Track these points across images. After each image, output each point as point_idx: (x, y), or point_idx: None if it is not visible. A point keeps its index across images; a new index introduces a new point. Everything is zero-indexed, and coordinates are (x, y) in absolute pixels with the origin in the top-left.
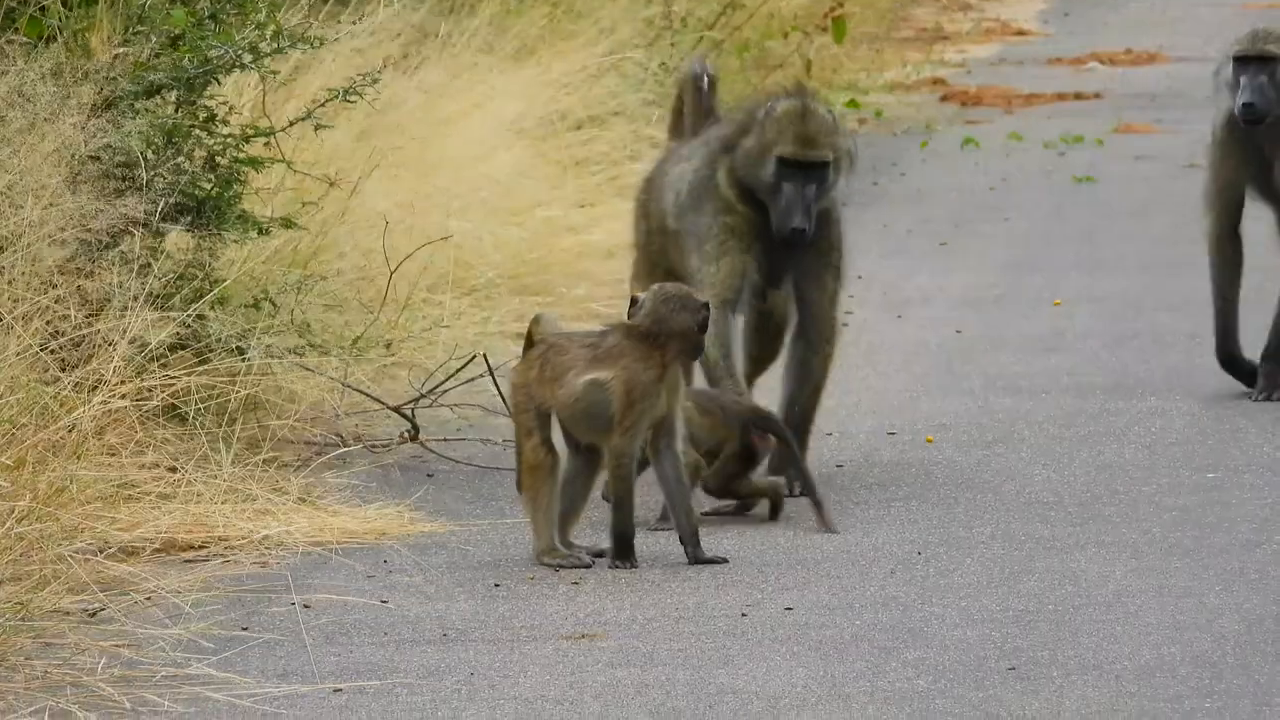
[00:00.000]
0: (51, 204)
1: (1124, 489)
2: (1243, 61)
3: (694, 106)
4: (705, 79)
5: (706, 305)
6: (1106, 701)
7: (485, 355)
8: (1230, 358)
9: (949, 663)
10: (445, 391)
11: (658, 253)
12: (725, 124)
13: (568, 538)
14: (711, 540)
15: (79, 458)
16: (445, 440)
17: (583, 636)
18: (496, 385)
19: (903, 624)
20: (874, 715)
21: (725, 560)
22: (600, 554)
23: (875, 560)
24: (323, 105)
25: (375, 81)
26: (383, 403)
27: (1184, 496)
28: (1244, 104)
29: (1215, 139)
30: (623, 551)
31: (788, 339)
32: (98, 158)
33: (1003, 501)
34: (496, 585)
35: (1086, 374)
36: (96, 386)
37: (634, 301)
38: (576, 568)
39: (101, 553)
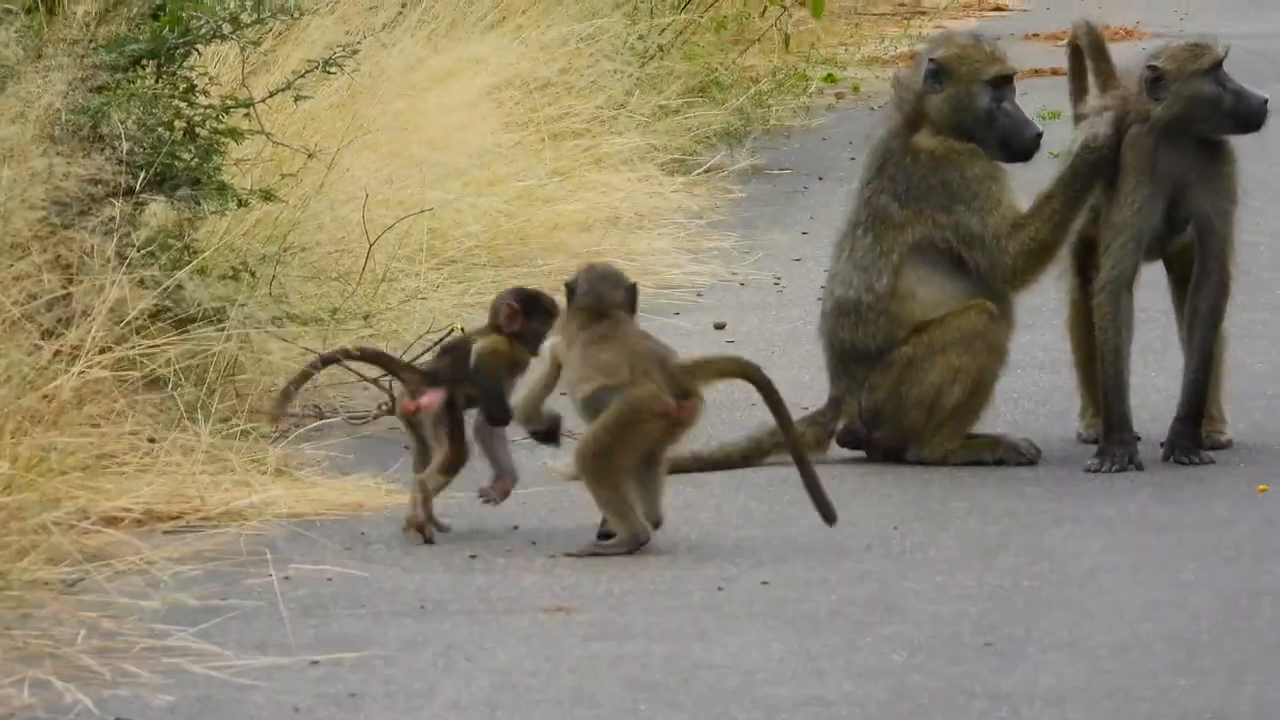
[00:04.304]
0: (28, 168)
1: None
2: (1219, 69)
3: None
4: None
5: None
6: (1081, 678)
7: (462, 327)
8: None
9: (925, 638)
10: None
11: None
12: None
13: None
14: (688, 513)
15: (59, 427)
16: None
17: (559, 609)
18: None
19: (879, 599)
20: (849, 690)
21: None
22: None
23: (852, 535)
24: (302, 76)
25: (355, 53)
26: (361, 375)
27: (1159, 473)
28: (1264, 101)
29: (1134, 155)
30: None
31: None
32: (79, 128)
33: (979, 477)
34: (473, 557)
35: (1062, 350)
36: (76, 355)
37: None
38: None
39: (81, 523)
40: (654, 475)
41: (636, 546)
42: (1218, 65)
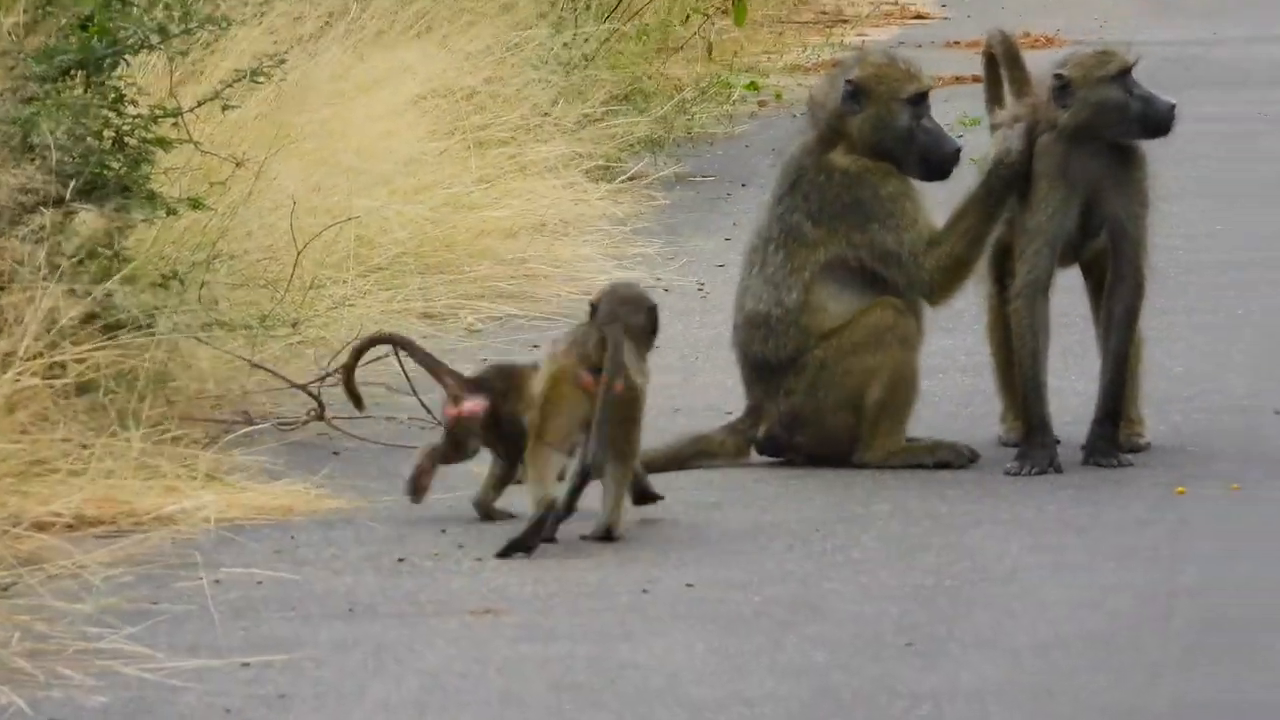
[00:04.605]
0: None
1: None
2: (1127, 75)
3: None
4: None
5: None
6: (1002, 677)
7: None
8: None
9: (846, 637)
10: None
11: None
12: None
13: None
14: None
15: None
16: (351, 418)
17: (487, 612)
18: (401, 364)
19: (801, 599)
20: (772, 689)
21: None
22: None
23: (775, 536)
24: (230, 86)
25: (282, 62)
26: (289, 381)
27: (1078, 474)
28: (1172, 105)
29: (1046, 162)
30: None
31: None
32: (9, 138)
33: (900, 479)
34: (401, 561)
35: (983, 354)
36: (8, 363)
37: None
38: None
39: (14, 528)
40: (614, 477)
41: (546, 512)
42: (1125, 72)
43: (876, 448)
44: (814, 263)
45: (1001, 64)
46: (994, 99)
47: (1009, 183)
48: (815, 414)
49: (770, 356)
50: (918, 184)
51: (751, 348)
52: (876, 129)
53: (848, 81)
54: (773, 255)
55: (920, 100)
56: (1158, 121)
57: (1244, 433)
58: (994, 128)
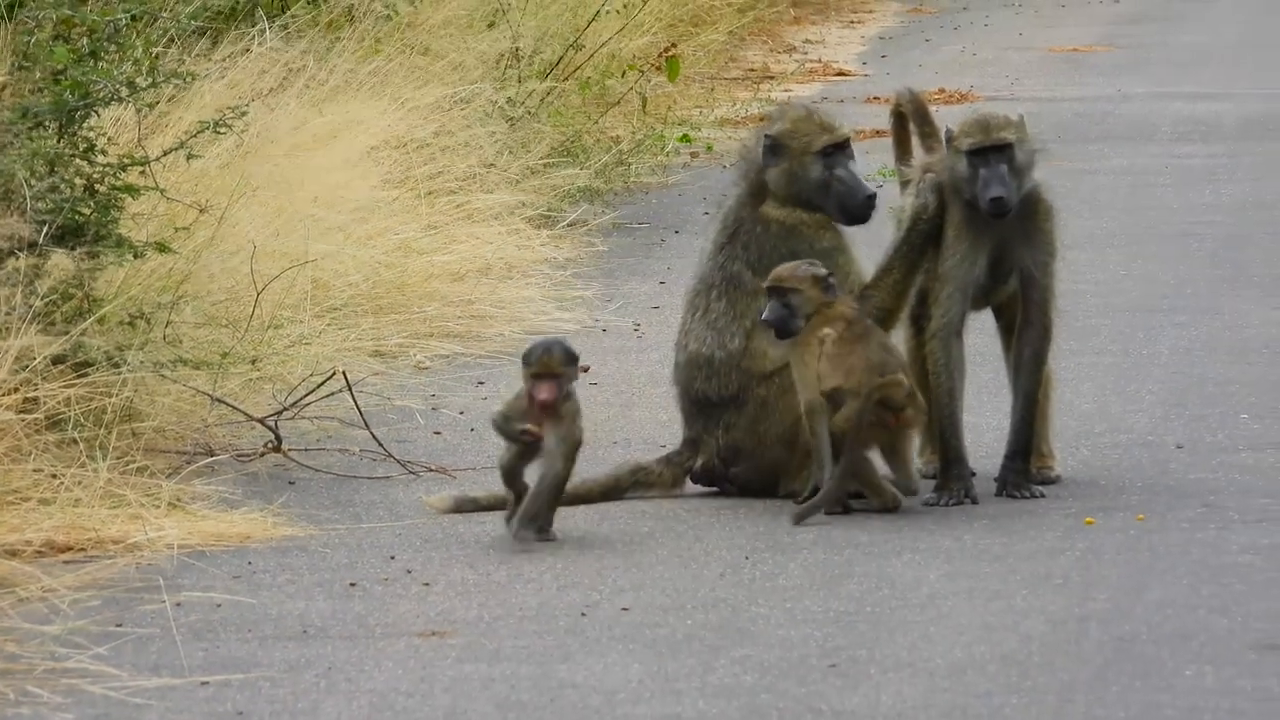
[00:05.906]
0: None
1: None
2: (979, 154)
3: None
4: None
5: None
6: (920, 697)
7: (344, 371)
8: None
9: (774, 660)
10: (306, 405)
11: None
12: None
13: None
14: (553, 544)
15: None
16: (306, 450)
17: (433, 634)
18: (354, 400)
19: (731, 623)
20: (704, 709)
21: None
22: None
23: (706, 564)
24: (194, 136)
25: (243, 115)
26: (248, 415)
27: (993, 505)
28: (992, 199)
29: (954, 212)
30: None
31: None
32: None
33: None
34: (352, 585)
35: None
36: None
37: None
38: None
39: None
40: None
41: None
42: (980, 148)
43: (804, 479)
44: (755, 310)
45: (911, 120)
46: (903, 154)
47: (927, 236)
48: (755, 447)
49: (712, 394)
50: (851, 235)
51: (693, 386)
52: (791, 181)
53: (766, 136)
54: (715, 301)
55: (835, 150)
56: (986, 202)
57: (1150, 466)
58: (904, 182)
